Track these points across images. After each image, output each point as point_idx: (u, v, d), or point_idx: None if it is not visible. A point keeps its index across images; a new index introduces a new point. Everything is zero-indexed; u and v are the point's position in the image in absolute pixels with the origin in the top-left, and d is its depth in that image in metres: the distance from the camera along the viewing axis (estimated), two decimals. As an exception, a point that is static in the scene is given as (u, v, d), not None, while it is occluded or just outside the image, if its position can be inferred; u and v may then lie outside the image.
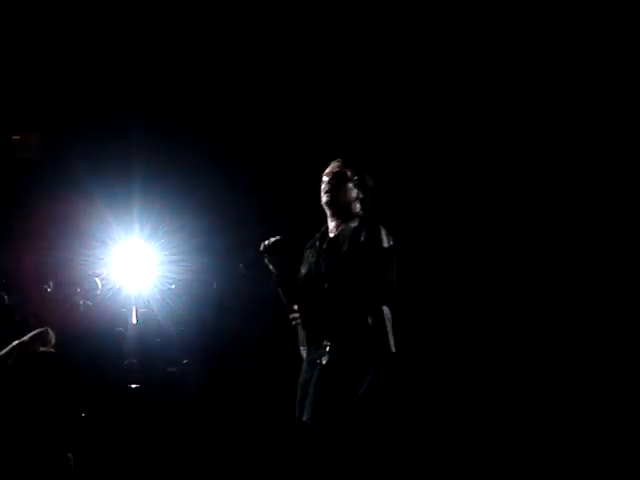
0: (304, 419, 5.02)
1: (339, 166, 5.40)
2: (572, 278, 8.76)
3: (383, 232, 5.21)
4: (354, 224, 5.29)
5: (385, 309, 5.18)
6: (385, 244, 5.18)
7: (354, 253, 5.16)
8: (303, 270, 5.38)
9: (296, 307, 5.15)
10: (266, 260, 5.29)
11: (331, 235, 5.39)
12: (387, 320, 5.18)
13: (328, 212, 5.40)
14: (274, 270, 5.30)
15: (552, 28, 8.65)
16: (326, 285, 5.15)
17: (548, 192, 8.90)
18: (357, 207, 5.39)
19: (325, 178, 5.38)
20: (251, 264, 5.26)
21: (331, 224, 5.42)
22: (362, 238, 5.17)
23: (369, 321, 5.13)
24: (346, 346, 5.07)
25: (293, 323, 5.18)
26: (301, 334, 5.29)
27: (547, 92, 8.84)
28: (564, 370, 8.57)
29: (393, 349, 5.18)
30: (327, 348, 5.09)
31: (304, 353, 5.28)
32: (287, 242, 5.29)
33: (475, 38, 8.83)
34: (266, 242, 5.28)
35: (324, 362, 5.09)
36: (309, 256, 5.41)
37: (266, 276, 5.32)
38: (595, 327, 8.60)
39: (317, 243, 5.40)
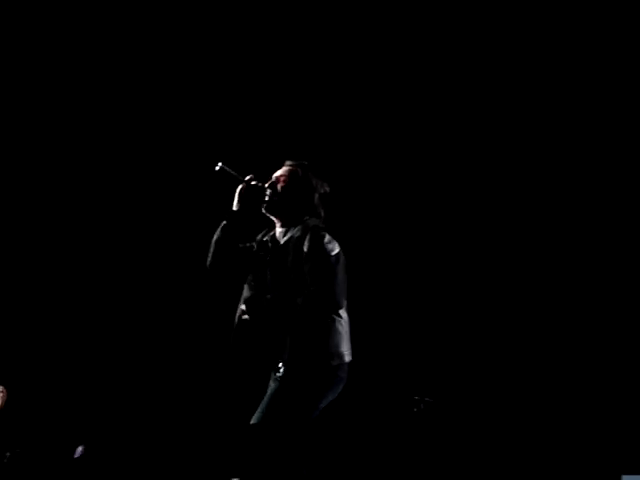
0: (251, 422, 4.95)
1: (285, 171, 5.29)
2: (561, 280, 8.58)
3: (327, 239, 5.07)
4: (298, 233, 5.15)
5: (344, 316, 5.07)
6: (330, 252, 5.04)
7: (298, 264, 5.03)
8: (249, 277, 5.22)
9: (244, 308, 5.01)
10: (239, 189, 5.13)
11: (279, 241, 5.24)
12: (342, 329, 5.05)
13: (274, 219, 5.28)
14: (236, 204, 5.13)
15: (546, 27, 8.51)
16: (269, 296, 5.02)
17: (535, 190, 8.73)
18: (304, 212, 5.24)
19: (269, 184, 5.24)
20: (226, 168, 5.10)
21: (277, 230, 5.29)
22: (305, 249, 5.04)
23: (321, 332, 4.99)
24: (301, 360, 4.95)
25: (243, 317, 5.04)
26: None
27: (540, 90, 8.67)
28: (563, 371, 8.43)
29: (348, 358, 5.05)
30: (281, 364, 5.00)
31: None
32: (266, 195, 5.14)
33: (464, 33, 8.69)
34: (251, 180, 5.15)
35: (279, 375, 5.01)
36: (253, 263, 5.26)
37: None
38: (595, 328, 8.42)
39: (261, 251, 5.27)
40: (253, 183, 5.15)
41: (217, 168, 5.11)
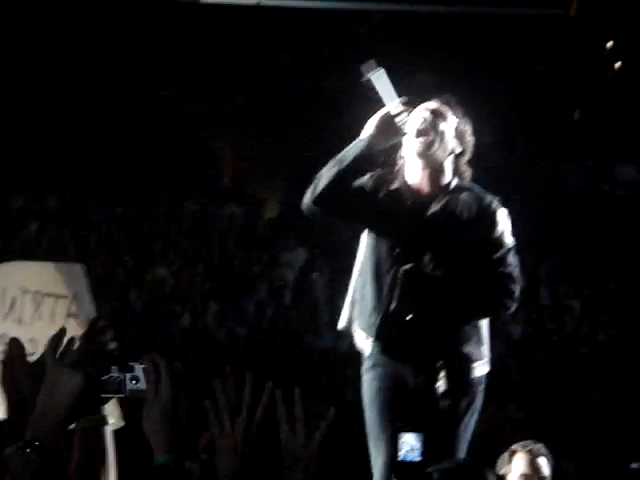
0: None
1: (439, 104, 4.05)
2: None
3: (509, 222, 4.09)
4: (472, 202, 4.05)
5: None
6: (512, 240, 4.08)
7: (476, 243, 4.03)
8: (382, 238, 4.01)
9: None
10: (378, 116, 3.91)
11: (419, 194, 4.03)
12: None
13: (416, 165, 4.02)
14: (371, 131, 3.92)
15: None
16: (437, 272, 3.96)
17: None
18: (449, 167, 4.05)
19: (419, 114, 3.99)
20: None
21: (415, 180, 4.04)
22: (489, 227, 4.03)
23: (482, 333, 4.08)
24: (467, 368, 4.01)
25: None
26: (372, 317, 4.01)
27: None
28: None
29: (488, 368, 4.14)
30: (443, 371, 3.98)
31: (370, 347, 4.05)
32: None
33: None
34: None
35: (442, 390, 3.99)
36: (388, 216, 4.02)
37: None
38: None
39: (401, 199, 4.02)
40: (398, 112, 3.94)
41: (366, 78, 3.96)
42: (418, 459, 3.41)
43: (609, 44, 14.72)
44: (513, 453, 4.83)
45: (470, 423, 4.03)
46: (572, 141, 14.97)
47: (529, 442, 4.97)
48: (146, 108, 14.20)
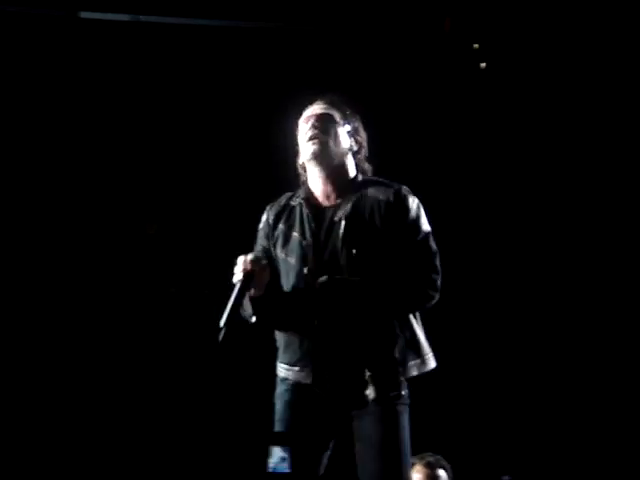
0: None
1: (325, 108, 4.02)
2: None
3: (423, 210, 3.96)
4: (380, 194, 3.94)
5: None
6: (428, 227, 3.95)
7: (391, 236, 3.88)
8: (292, 259, 3.90)
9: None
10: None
11: (325, 203, 3.97)
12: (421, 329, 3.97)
13: (316, 170, 3.96)
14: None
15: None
16: (357, 279, 3.78)
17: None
18: (351, 164, 4.02)
19: (307, 123, 3.97)
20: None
21: (320, 188, 3.99)
22: (401, 216, 3.90)
23: (407, 334, 3.90)
24: (392, 373, 3.83)
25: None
26: (292, 345, 3.89)
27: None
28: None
29: (433, 364, 3.97)
30: (368, 378, 3.81)
31: (294, 375, 3.89)
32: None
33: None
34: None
35: (371, 397, 3.81)
36: (296, 235, 3.94)
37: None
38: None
39: (304, 214, 3.95)
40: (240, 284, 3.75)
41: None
42: (287, 471, 3.43)
43: (482, 64, 14.80)
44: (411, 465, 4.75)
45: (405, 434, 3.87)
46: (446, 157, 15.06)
47: (427, 454, 4.85)
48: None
